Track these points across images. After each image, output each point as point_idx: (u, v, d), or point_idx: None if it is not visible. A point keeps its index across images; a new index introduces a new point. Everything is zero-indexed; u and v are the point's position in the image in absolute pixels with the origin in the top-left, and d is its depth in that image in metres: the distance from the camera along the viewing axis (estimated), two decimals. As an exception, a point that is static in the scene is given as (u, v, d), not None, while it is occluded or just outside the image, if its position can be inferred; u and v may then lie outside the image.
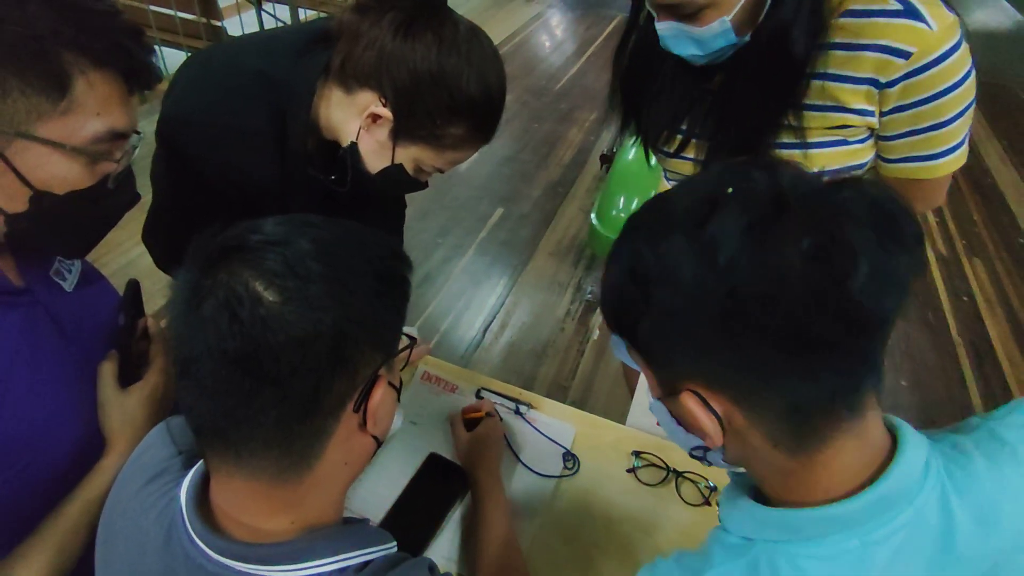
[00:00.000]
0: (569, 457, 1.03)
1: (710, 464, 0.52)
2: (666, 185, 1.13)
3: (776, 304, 0.38)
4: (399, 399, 0.58)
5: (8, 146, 0.54)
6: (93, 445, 0.69)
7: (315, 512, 0.52)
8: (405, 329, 0.54)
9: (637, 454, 1.02)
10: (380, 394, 0.51)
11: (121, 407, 0.70)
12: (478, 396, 1.13)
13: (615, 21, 5.37)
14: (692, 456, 0.52)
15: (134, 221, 0.85)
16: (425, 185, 0.90)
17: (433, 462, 0.99)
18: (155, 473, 0.58)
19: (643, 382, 1.13)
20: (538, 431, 1.07)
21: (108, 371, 0.71)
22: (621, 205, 2.25)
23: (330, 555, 0.50)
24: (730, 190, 0.41)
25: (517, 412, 1.10)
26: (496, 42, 0.81)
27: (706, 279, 0.40)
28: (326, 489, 0.53)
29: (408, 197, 1.15)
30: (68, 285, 0.72)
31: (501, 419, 1.04)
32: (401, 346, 0.54)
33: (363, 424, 0.52)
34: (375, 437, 0.54)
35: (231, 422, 0.46)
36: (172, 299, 0.47)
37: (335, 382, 0.47)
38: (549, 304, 2.48)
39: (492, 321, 2.38)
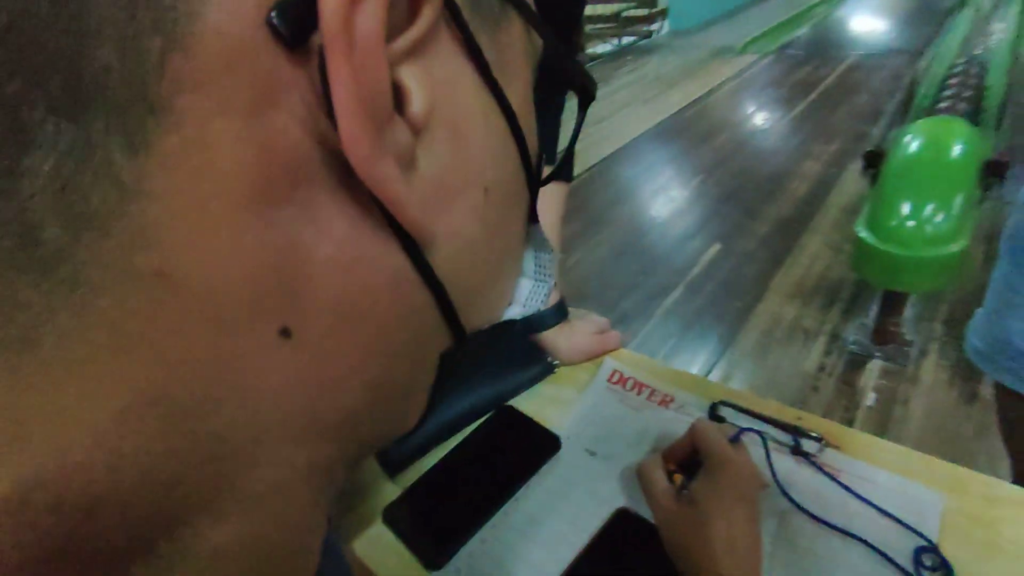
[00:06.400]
0: (929, 555, 0.45)
1: None
2: None
3: None
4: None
5: None
6: None
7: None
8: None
9: None
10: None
11: None
12: (714, 417, 0.61)
13: (847, 62, 4.62)
14: None
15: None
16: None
17: (622, 521, 0.49)
18: None
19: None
20: (853, 493, 0.51)
21: None
22: (907, 211, 1.56)
23: None
24: None
25: (798, 452, 0.56)
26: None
27: None
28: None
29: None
30: None
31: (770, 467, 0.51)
32: None
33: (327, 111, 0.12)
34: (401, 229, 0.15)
35: None
36: None
37: None
38: (792, 356, 1.82)
39: (710, 372, 1.79)
